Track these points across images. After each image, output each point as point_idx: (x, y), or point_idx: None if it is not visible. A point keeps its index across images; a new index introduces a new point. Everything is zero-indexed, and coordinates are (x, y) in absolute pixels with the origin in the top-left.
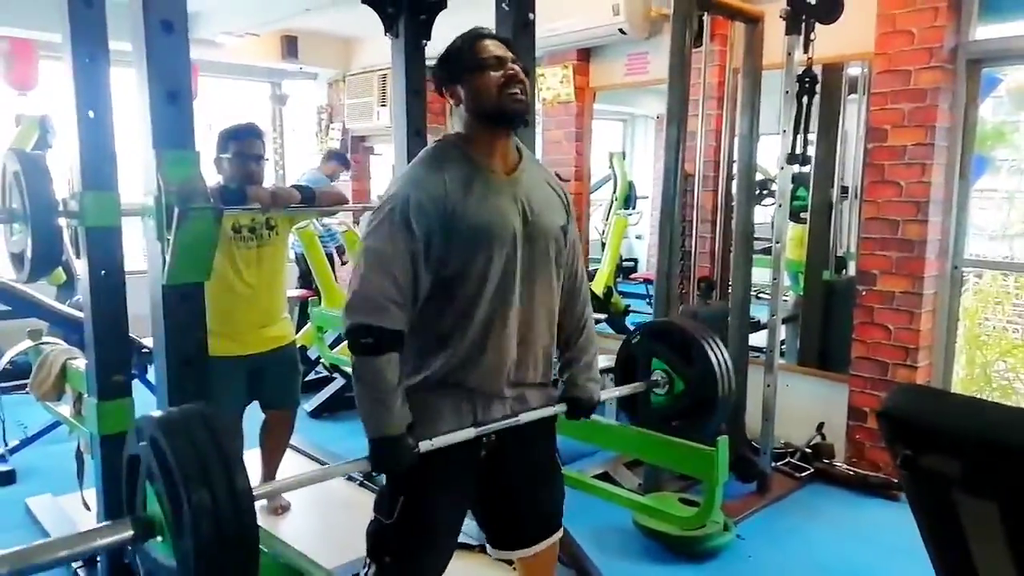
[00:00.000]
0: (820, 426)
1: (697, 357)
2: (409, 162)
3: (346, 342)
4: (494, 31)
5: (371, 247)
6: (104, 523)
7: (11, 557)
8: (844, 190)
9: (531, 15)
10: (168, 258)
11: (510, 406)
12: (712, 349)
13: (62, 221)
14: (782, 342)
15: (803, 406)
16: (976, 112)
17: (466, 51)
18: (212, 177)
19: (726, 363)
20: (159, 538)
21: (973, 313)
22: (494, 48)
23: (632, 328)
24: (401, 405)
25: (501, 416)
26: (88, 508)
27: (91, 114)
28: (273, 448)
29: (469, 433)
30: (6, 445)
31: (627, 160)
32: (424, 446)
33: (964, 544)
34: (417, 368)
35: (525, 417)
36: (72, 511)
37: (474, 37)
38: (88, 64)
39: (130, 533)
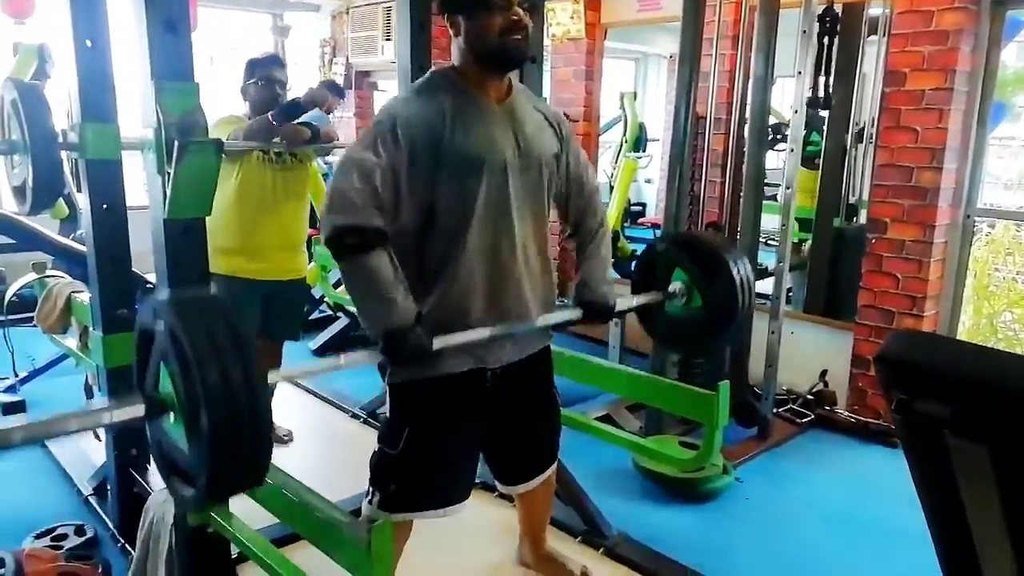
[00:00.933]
0: (823, 373)
1: (721, 275)
2: None
3: (326, 246)
4: None
5: (352, 156)
6: (116, 400)
7: (26, 426)
8: (860, 135)
9: None
10: (169, 192)
11: (515, 339)
12: (739, 269)
13: (63, 154)
14: (789, 289)
15: (807, 353)
16: (998, 56)
17: None
18: (239, 106)
19: (749, 283)
20: (171, 417)
21: (983, 263)
22: None
23: (655, 237)
24: (404, 296)
25: (505, 347)
26: (99, 439)
27: (89, 43)
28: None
29: (483, 332)
30: (16, 376)
31: (638, 101)
32: (438, 343)
33: (954, 487)
34: (416, 298)
35: (542, 320)
36: (82, 440)
37: None
38: None
39: (142, 410)
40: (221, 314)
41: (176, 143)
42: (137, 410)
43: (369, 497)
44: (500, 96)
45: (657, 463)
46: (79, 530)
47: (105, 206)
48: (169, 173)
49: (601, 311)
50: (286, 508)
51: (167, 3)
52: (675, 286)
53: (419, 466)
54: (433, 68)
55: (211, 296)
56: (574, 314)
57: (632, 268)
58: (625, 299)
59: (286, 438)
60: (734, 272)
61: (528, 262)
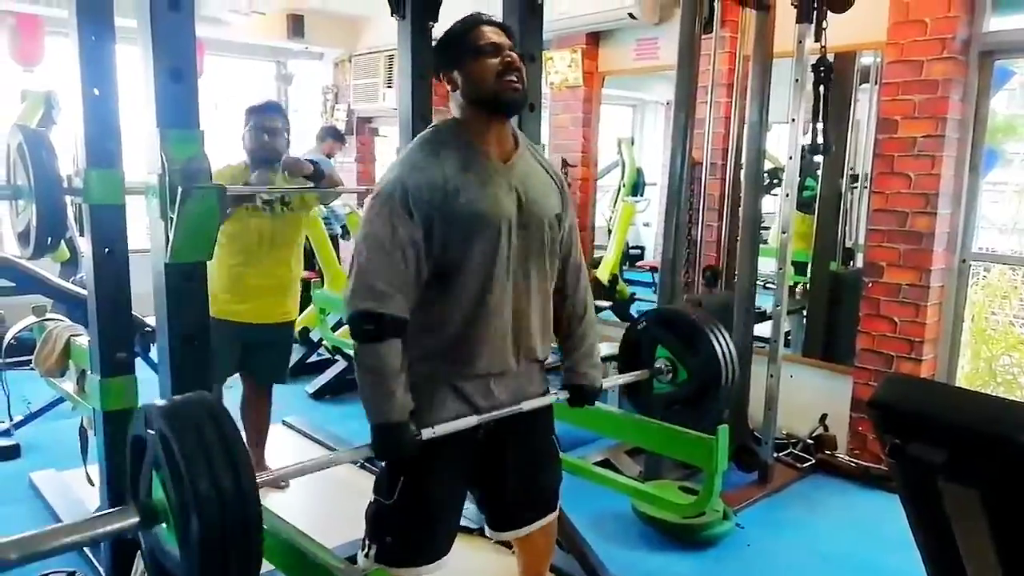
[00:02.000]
0: (823, 417)
1: (702, 347)
2: None
3: (349, 330)
4: (496, 17)
5: (371, 233)
6: (110, 509)
7: (19, 543)
8: (854, 179)
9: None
10: (171, 236)
11: (509, 390)
12: (717, 339)
13: (66, 199)
14: (787, 333)
15: (806, 397)
16: (988, 105)
17: (463, 37)
18: (238, 154)
19: (731, 353)
20: (164, 525)
21: (980, 307)
22: (492, 35)
23: (637, 315)
24: (404, 392)
25: (500, 402)
26: (92, 483)
27: (96, 92)
28: (262, 424)
29: (470, 421)
30: (11, 420)
31: (636, 146)
32: (426, 434)
33: (949, 531)
34: (415, 353)
35: (527, 405)
36: (75, 486)
37: (472, 23)
38: (94, 42)
39: (136, 520)
40: (212, 420)
41: (180, 189)
42: (131, 519)
43: (366, 550)
44: (505, 153)
45: (657, 509)
46: None
47: (107, 250)
48: (172, 218)
49: (587, 395)
50: (282, 555)
51: (174, 52)
52: (660, 363)
53: (414, 517)
54: (435, 123)
55: (202, 401)
56: (562, 396)
57: (630, 311)
58: (611, 379)
59: (283, 484)
60: (714, 342)
61: (529, 320)
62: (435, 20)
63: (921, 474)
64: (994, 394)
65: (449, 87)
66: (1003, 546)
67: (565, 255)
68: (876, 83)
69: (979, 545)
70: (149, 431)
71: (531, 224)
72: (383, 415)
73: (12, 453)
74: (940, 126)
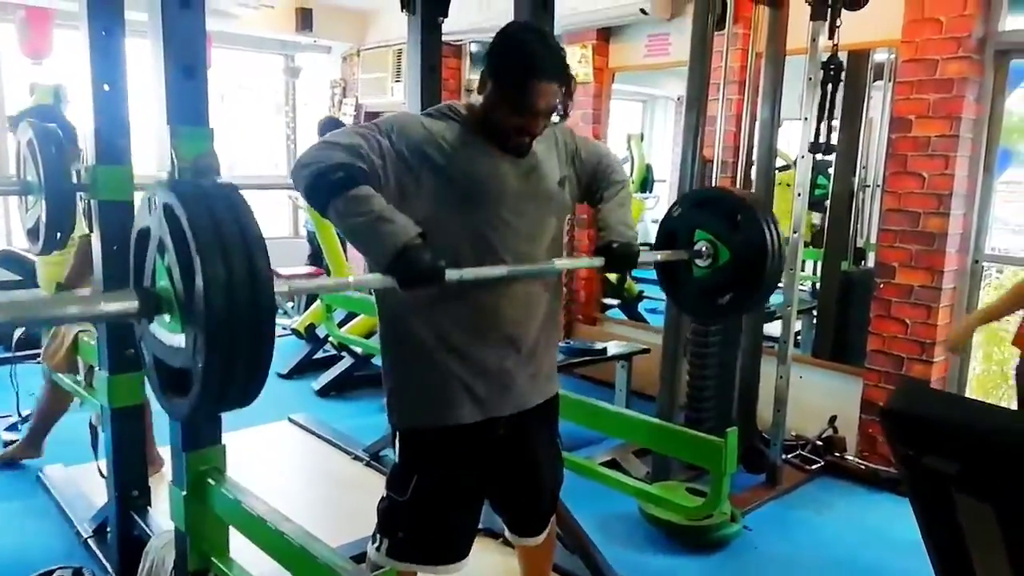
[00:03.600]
0: (832, 419)
1: (745, 221)
2: None
3: (307, 199)
4: (551, 39)
5: (338, 131)
6: (109, 292)
7: (11, 306)
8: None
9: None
10: None
11: (521, 359)
12: (763, 215)
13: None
14: (797, 333)
15: (816, 398)
16: (1003, 104)
17: (522, 80)
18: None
19: (776, 231)
20: (166, 317)
21: None
22: (542, 99)
23: (672, 204)
24: (402, 216)
25: (510, 367)
26: (103, 476)
27: (106, 87)
28: None
29: (499, 270)
30: (19, 415)
31: (645, 142)
32: (451, 274)
33: (962, 542)
34: (418, 337)
35: (560, 263)
36: (83, 481)
37: (538, 66)
38: (104, 38)
39: (135, 304)
40: (223, 199)
41: None
42: (130, 303)
43: (376, 544)
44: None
45: (663, 510)
46: (77, 573)
47: (115, 247)
48: None
49: (624, 255)
50: (287, 553)
51: (185, 50)
52: (700, 244)
53: (428, 515)
54: (448, 102)
55: (212, 184)
56: (595, 262)
57: (638, 310)
58: (647, 255)
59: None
60: (758, 217)
61: (530, 288)
62: (444, 15)
63: (935, 485)
64: (1007, 406)
65: (478, 82)
66: (1016, 559)
67: (593, 167)
68: (890, 80)
69: (993, 559)
70: (154, 215)
71: (534, 195)
72: (394, 240)
73: None
74: (954, 126)
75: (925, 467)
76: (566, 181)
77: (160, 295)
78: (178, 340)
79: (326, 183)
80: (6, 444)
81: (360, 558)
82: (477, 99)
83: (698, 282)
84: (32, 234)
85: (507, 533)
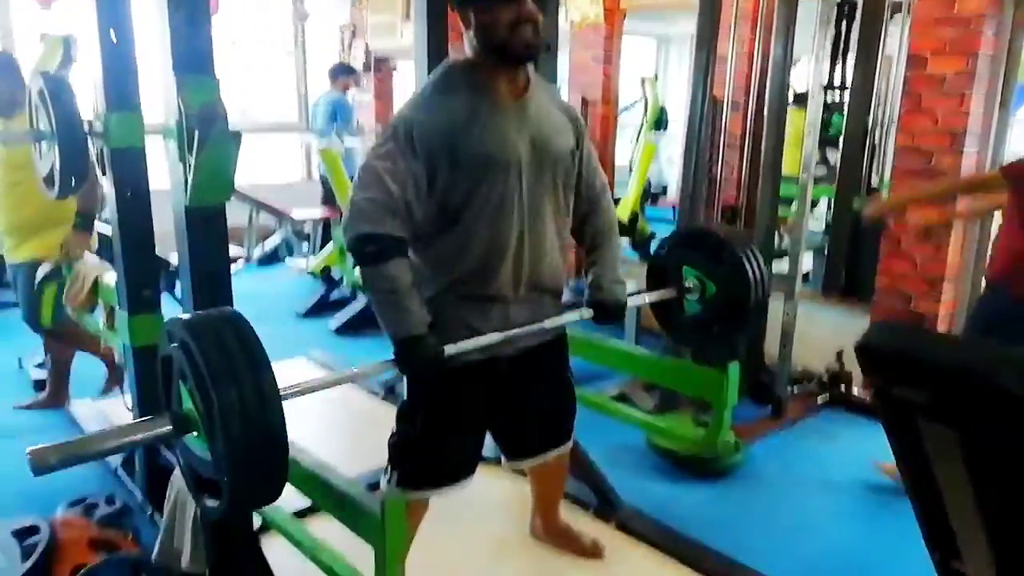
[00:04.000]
0: (839, 354)
1: (727, 256)
2: None
3: (352, 258)
4: None
5: (372, 164)
6: (144, 418)
7: (60, 448)
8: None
9: None
10: (190, 180)
11: (526, 318)
12: (742, 248)
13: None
14: (808, 272)
15: (824, 334)
16: (1022, 39)
17: None
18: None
19: (758, 262)
20: (195, 433)
21: None
22: None
23: (660, 242)
24: (419, 306)
25: (522, 321)
26: (130, 410)
27: (113, 34)
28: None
29: (493, 337)
30: (46, 353)
31: (660, 82)
32: (449, 349)
33: (929, 467)
34: (430, 286)
35: (550, 323)
36: (111, 414)
37: None
38: None
39: (169, 428)
40: (232, 329)
41: (197, 134)
42: (165, 427)
43: (388, 476)
44: (516, 92)
45: (669, 440)
46: (109, 500)
47: (129, 192)
48: (190, 163)
49: (612, 310)
50: (306, 481)
51: None
52: (688, 281)
53: (434, 446)
54: (447, 60)
55: (221, 313)
56: (585, 314)
57: (650, 249)
58: (639, 296)
59: None
60: (738, 250)
61: (544, 255)
62: None
63: (904, 414)
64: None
65: (462, 23)
66: (979, 485)
67: (585, 181)
68: (908, 15)
69: (957, 483)
70: (176, 344)
71: (544, 162)
72: (402, 329)
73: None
74: (971, 62)
75: (896, 397)
76: (574, 157)
77: (188, 416)
78: (206, 453)
79: (360, 253)
80: (37, 383)
81: (375, 487)
82: (467, 43)
83: (690, 316)
84: (48, 181)
85: (502, 460)
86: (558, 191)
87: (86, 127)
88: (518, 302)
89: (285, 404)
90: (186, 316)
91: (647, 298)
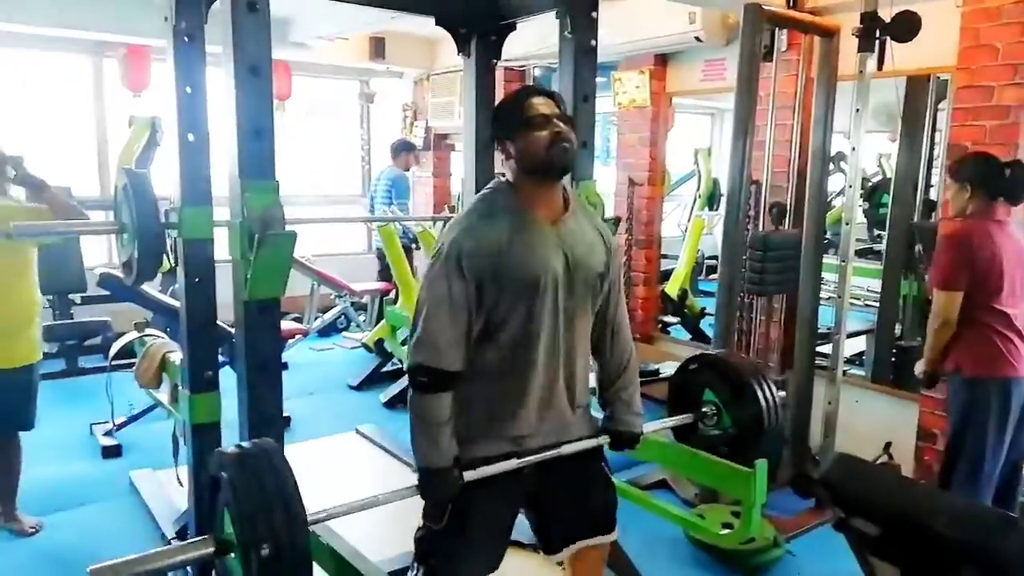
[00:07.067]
0: (887, 445)
1: (747, 400)
2: (476, 177)
3: (407, 378)
4: (545, 86)
5: (431, 291)
6: (190, 540)
7: (115, 568)
8: (932, 204)
9: (593, 42)
10: (249, 276)
11: (554, 433)
12: (762, 390)
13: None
14: (860, 354)
15: (873, 423)
16: None
17: (515, 110)
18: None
19: (775, 405)
20: (232, 555)
21: None
22: (541, 106)
23: (687, 359)
24: (449, 440)
25: (544, 445)
26: (181, 484)
27: (191, 137)
28: (10, 472)
29: (510, 464)
30: (114, 422)
31: (713, 156)
32: (469, 475)
33: None
34: (469, 395)
35: (568, 449)
36: (168, 484)
37: (523, 96)
38: (188, 95)
39: (212, 551)
40: (271, 468)
41: (257, 235)
42: (208, 549)
43: (414, 572)
44: (555, 214)
45: (704, 535)
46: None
47: (197, 279)
48: (250, 259)
49: (627, 441)
50: (338, 569)
51: (255, 115)
52: (707, 407)
53: (460, 541)
54: (490, 185)
55: (265, 449)
56: (602, 440)
57: (699, 326)
58: (658, 422)
59: (31, 530)
60: (759, 395)
61: (575, 368)
62: (498, 58)
63: (859, 545)
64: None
65: (503, 155)
66: None
67: (606, 312)
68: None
69: None
70: (222, 473)
71: (577, 280)
72: (428, 460)
73: (115, 452)
74: (1012, 152)
75: (853, 527)
76: (604, 279)
77: (228, 540)
78: None
79: (413, 380)
80: (104, 449)
81: (404, 573)
82: (508, 169)
83: (705, 439)
84: (127, 267)
85: (542, 553)
86: (588, 308)
87: (163, 218)
88: (547, 408)
89: (330, 480)
90: (232, 450)
91: (668, 424)
